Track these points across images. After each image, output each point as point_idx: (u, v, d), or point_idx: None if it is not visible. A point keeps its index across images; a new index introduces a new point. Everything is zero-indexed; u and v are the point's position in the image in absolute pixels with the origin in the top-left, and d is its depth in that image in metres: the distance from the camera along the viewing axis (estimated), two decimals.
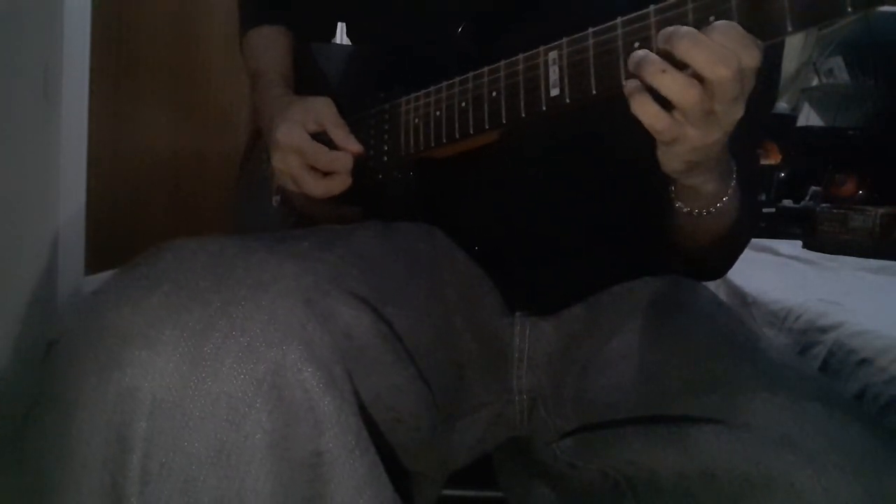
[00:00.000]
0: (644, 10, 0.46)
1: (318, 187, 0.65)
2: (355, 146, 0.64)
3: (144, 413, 0.35)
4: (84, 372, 0.36)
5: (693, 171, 0.50)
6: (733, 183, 0.54)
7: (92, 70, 1.03)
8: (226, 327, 0.36)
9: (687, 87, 0.43)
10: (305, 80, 0.79)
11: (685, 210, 0.55)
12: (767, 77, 0.68)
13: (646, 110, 0.45)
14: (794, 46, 2.27)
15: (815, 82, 2.49)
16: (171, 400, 0.35)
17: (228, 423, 0.35)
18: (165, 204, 1.40)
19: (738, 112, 0.45)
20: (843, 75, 2.37)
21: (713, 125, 0.45)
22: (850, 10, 0.38)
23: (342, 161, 0.64)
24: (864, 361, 0.87)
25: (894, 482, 0.39)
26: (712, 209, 0.55)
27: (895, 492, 0.39)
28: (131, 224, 1.25)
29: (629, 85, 0.45)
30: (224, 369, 0.35)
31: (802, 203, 2.09)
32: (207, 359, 0.35)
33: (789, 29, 0.40)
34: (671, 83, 0.43)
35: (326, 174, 0.64)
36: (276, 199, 0.80)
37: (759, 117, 0.68)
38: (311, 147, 0.64)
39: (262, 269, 0.40)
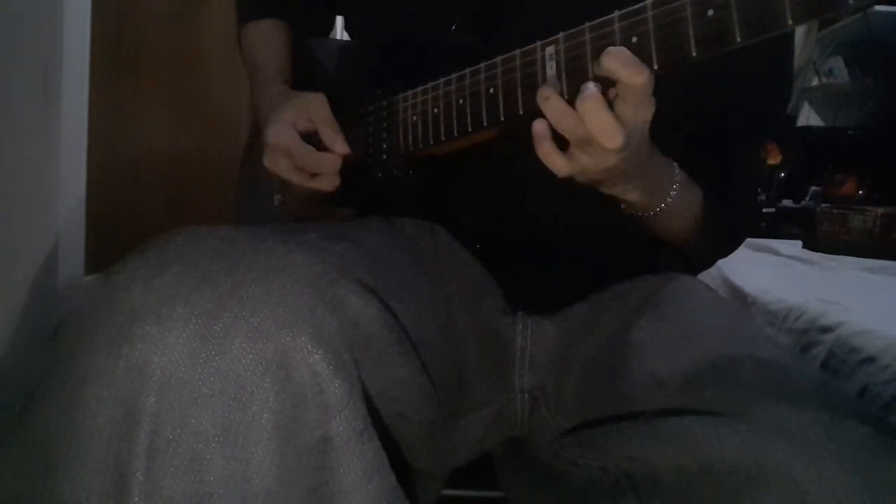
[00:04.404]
0: (641, 4, 0.46)
1: (306, 188, 0.65)
2: (342, 147, 0.64)
3: (153, 388, 0.34)
4: (93, 347, 0.35)
5: (600, 185, 0.55)
6: (673, 193, 0.58)
7: (92, 70, 1.03)
8: (236, 307, 0.36)
9: (561, 115, 0.49)
10: (303, 75, 0.79)
11: (628, 212, 0.60)
12: (773, 79, 0.68)
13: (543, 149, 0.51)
14: (795, 46, 2.27)
15: (815, 82, 2.49)
16: (180, 376, 0.35)
17: (236, 402, 0.35)
18: (165, 204, 1.40)
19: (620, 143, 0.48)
20: (843, 75, 2.37)
21: (589, 146, 0.50)
22: (851, 1, 0.38)
23: (329, 163, 0.64)
24: (865, 360, 0.87)
25: (892, 472, 0.39)
26: (651, 214, 0.59)
27: (892, 482, 0.39)
28: (131, 224, 1.25)
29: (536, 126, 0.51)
30: (233, 348, 0.35)
31: (802, 203, 2.10)
32: (217, 337, 0.36)
33: (789, 22, 0.40)
34: (551, 109, 0.49)
35: (315, 174, 0.65)
36: (276, 199, 0.80)
37: (761, 118, 0.69)
38: (299, 149, 0.64)
39: (271, 256, 0.40)
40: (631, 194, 0.57)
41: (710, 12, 0.43)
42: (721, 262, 0.77)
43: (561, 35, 0.50)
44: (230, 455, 0.35)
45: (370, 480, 0.38)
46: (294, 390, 0.36)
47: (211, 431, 0.35)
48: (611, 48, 0.46)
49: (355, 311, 0.42)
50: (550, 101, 0.49)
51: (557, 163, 0.51)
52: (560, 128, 0.49)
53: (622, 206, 0.60)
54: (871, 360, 0.87)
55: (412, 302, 0.50)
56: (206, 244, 0.40)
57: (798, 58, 2.33)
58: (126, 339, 0.35)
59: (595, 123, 0.47)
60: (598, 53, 0.48)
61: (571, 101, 0.49)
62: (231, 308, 0.36)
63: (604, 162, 0.50)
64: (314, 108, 0.65)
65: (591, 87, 0.47)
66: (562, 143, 0.51)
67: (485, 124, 0.57)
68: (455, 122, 0.59)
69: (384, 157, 0.68)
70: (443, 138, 0.60)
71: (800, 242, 1.71)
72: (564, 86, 0.50)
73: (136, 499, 0.34)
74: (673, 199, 0.59)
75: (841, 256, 1.55)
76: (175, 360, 0.35)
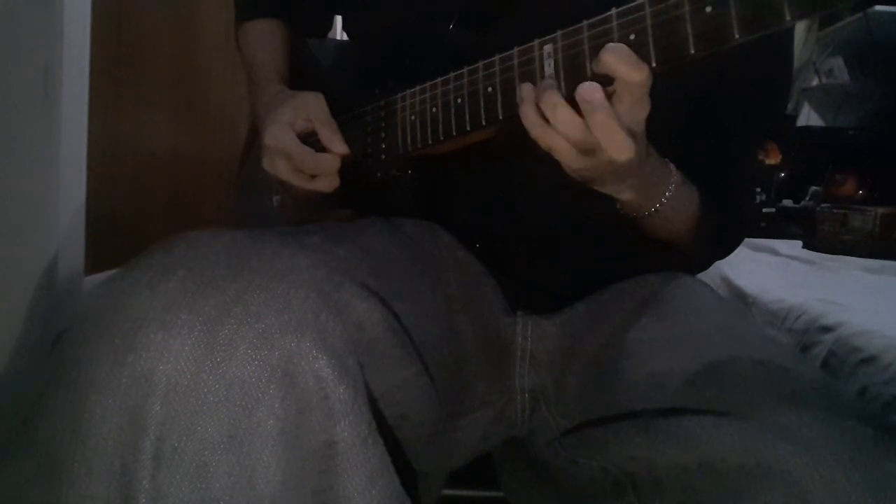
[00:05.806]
0: (639, 1, 0.46)
1: (306, 189, 0.65)
2: (340, 147, 0.64)
3: (159, 396, 0.34)
4: (98, 354, 0.35)
5: (592, 182, 0.54)
6: (668, 194, 0.58)
7: (92, 70, 1.03)
8: (241, 314, 0.36)
9: (572, 126, 0.48)
10: (301, 75, 0.79)
11: (622, 212, 0.60)
12: (772, 79, 0.68)
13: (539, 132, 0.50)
14: (795, 46, 2.27)
15: (815, 82, 2.49)
16: (186, 383, 0.35)
17: (241, 409, 0.35)
18: (165, 204, 1.40)
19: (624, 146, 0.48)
20: (843, 75, 2.37)
21: (593, 154, 0.49)
22: None
23: (327, 163, 0.64)
24: (865, 360, 0.87)
25: (892, 472, 0.39)
26: (646, 214, 0.59)
27: (893, 481, 0.39)
28: (131, 224, 1.24)
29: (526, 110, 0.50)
30: (238, 355, 0.35)
31: (802, 203, 2.10)
32: (222, 344, 0.35)
33: (787, 18, 0.40)
34: (561, 120, 0.48)
35: (314, 175, 0.64)
36: (276, 199, 0.80)
37: (760, 119, 0.69)
38: (298, 150, 0.64)
39: (275, 260, 0.40)
40: (625, 194, 0.56)
41: (709, 9, 0.42)
42: (721, 262, 0.77)
43: (559, 33, 0.50)
44: (236, 462, 0.35)
45: (374, 485, 0.38)
46: (299, 396, 0.36)
47: (217, 438, 0.35)
48: (610, 44, 0.46)
49: (359, 314, 0.42)
50: (559, 110, 0.48)
51: (536, 130, 0.50)
52: (569, 138, 0.49)
53: (617, 205, 0.59)
54: (871, 360, 0.87)
55: (414, 303, 0.50)
56: (209, 249, 0.40)
57: (798, 58, 2.33)
58: (131, 347, 0.35)
59: (606, 136, 0.47)
60: (596, 51, 0.47)
61: (570, 99, 0.49)
62: (236, 314, 0.36)
63: (597, 161, 0.50)
64: (312, 108, 0.65)
65: (597, 98, 0.46)
66: None
67: (483, 123, 0.56)
68: (453, 122, 0.59)
69: (383, 157, 0.68)
70: (441, 138, 0.60)
71: (800, 242, 1.71)
72: (563, 84, 0.50)
73: None
74: (668, 200, 0.58)
75: (841, 256, 1.55)
76: (180, 368, 0.35)
